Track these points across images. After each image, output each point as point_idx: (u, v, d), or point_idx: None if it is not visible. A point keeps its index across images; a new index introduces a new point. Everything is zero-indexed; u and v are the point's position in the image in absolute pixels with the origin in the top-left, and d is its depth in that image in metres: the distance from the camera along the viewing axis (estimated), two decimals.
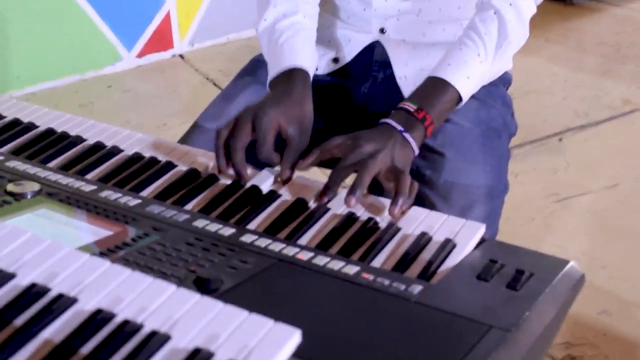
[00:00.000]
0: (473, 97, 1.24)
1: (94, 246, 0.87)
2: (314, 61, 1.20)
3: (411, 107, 1.09)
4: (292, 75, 1.13)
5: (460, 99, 1.14)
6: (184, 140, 1.31)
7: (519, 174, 2.35)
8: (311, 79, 1.16)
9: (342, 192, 1.01)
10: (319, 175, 1.15)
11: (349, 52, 1.31)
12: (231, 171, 1.05)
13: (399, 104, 1.11)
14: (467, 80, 1.13)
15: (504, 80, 1.34)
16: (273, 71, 1.17)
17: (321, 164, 1.07)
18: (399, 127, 1.07)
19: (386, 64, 1.30)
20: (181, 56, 3.25)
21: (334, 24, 1.33)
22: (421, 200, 1.17)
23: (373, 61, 1.31)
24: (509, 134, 1.30)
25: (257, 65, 1.37)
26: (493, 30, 1.15)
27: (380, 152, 1.02)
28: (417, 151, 1.07)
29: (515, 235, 2.07)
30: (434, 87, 1.12)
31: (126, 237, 0.89)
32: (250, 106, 1.08)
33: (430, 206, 1.16)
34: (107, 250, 0.85)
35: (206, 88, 3.02)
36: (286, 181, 1.04)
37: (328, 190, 1.00)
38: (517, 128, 1.33)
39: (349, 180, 1.03)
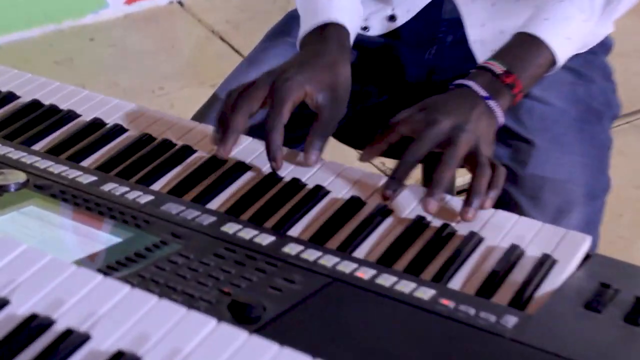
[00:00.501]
0: (567, 67, 1.21)
1: (99, 258, 0.84)
2: (356, 16, 1.18)
3: (499, 68, 1.06)
4: (327, 32, 1.12)
5: (554, 63, 1.10)
6: (200, 116, 1.28)
7: None
8: (352, 38, 1.14)
9: (408, 189, 0.98)
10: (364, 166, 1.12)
11: (410, 8, 1.28)
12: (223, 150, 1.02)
13: (482, 62, 1.08)
14: (567, 42, 1.10)
15: (604, 47, 1.31)
16: (304, 26, 1.15)
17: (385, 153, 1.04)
18: (483, 93, 1.04)
19: (457, 24, 1.26)
20: (180, 3, 3.21)
21: None
22: (504, 201, 1.14)
23: (441, 20, 1.28)
24: (611, 116, 1.27)
25: (291, 22, 1.34)
26: None
27: (463, 129, 0.98)
28: (502, 122, 1.05)
29: (600, 236, 2.03)
30: (527, 45, 1.09)
31: (138, 246, 0.86)
32: (272, 69, 1.06)
33: (515, 208, 1.13)
34: (116, 264, 0.83)
35: (211, 43, 3.00)
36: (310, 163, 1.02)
37: (393, 182, 0.96)
38: (620, 108, 1.30)
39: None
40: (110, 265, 0.83)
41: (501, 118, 1.04)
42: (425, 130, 0.99)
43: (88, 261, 0.84)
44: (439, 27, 1.29)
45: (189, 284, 0.81)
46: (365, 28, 1.30)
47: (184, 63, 2.90)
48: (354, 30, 1.15)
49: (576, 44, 1.12)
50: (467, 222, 0.94)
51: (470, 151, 0.98)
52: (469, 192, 0.95)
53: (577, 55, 1.23)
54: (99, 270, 0.81)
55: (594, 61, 1.27)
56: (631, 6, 1.17)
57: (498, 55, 1.08)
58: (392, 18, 1.29)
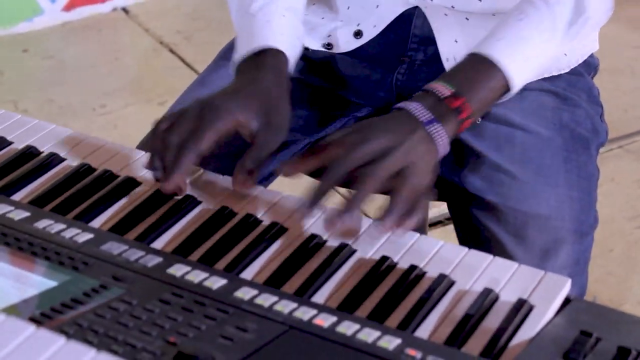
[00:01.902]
0: (550, 90, 1.24)
1: (31, 304, 0.85)
2: (296, 40, 1.20)
3: (445, 90, 1.07)
4: (263, 59, 1.14)
5: (510, 86, 1.11)
6: (146, 143, 1.30)
7: None
8: (292, 63, 1.17)
9: (371, 226, 1.01)
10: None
11: (377, 23, 1.30)
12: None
13: (428, 84, 1.09)
14: (524, 64, 1.11)
15: (589, 67, 1.34)
16: (240, 50, 1.17)
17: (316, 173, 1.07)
18: (424, 118, 1.05)
19: (428, 40, 1.29)
20: (125, 10, 3.23)
21: None
22: (484, 239, 1.17)
23: (410, 36, 1.30)
24: (598, 144, 1.30)
25: None
26: (567, 1, 1.14)
27: (392, 152, 1.00)
28: (445, 151, 1.06)
29: (588, 273, 2.07)
30: (478, 67, 1.10)
31: (76, 290, 0.88)
32: (203, 97, 1.09)
33: (499, 247, 1.16)
34: (50, 311, 0.84)
35: (160, 55, 3.02)
36: (241, 190, 1.05)
37: (308, 202, 0.99)
38: (607, 135, 1.33)
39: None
40: (44, 312, 0.84)
41: (443, 146, 1.05)
42: (352, 149, 1.01)
43: (19, 308, 0.85)
44: (409, 44, 1.31)
45: (131, 333, 0.82)
46: (328, 45, 1.33)
47: (128, 78, 2.91)
48: (293, 56, 1.17)
49: (535, 67, 1.14)
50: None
51: (397, 174, 1.00)
52: (386, 209, 0.98)
53: (559, 77, 1.27)
54: (31, 319, 0.82)
55: (578, 83, 1.30)
56: (597, 27, 1.19)
57: (446, 77, 1.09)
58: (357, 34, 1.32)
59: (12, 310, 0.84)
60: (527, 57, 1.11)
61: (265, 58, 1.13)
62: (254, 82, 1.10)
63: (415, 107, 1.05)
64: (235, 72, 1.16)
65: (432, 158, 1.04)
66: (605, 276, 2.10)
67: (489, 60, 1.09)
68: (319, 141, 1.08)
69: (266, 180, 1.32)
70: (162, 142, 1.04)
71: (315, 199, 0.99)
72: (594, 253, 2.13)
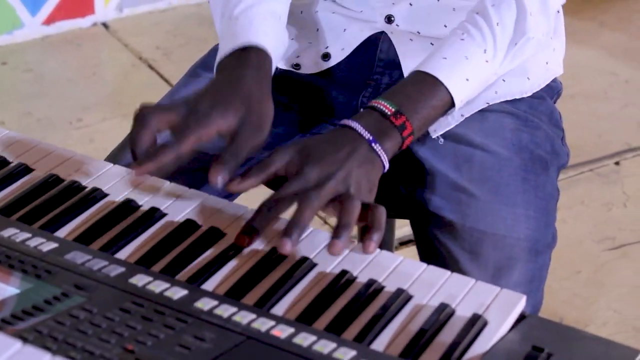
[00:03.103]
0: (510, 112, 1.26)
1: None
2: (280, 42, 1.21)
3: (388, 108, 1.09)
4: (245, 56, 1.15)
5: (452, 104, 1.14)
6: (115, 156, 1.31)
7: (560, 209, 2.38)
8: (274, 63, 1.18)
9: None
10: None
11: (345, 46, 1.32)
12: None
13: (370, 102, 1.11)
14: (465, 84, 1.14)
15: (552, 90, 1.36)
16: (222, 50, 1.18)
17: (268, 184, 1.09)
18: (367, 135, 1.07)
19: (394, 65, 1.31)
20: (105, 25, 3.24)
21: (324, 6, 1.34)
22: (441, 256, 1.18)
23: (376, 60, 1.32)
24: (558, 166, 1.32)
25: (215, 56, 1.38)
26: (508, 21, 1.17)
27: (332, 177, 1.03)
28: (386, 167, 1.09)
29: (555, 294, 2.09)
30: (421, 85, 1.13)
31: (37, 298, 0.89)
32: (187, 99, 1.11)
33: (454, 263, 1.18)
34: (11, 317, 0.85)
35: (138, 71, 3.03)
36: (227, 184, 1.05)
37: (251, 229, 1.01)
38: (569, 157, 1.35)
39: None
40: (4, 319, 0.85)
41: (386, 163, 1.08)
42: (293, 179, 1.03)
43: None
44: (375, 68, 1.33)
45: (90, 340, 0.83)
46: (296, 65, 1.34)
47: (106, 92, 2.92)
48: (277, 56, 1.19)
49: (476, 86, 1.16)
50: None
51: (337, 195, 1.03)
52: (336, 226, 1.00)
53: (521, 100, 1.28)
54: (3, 321, 0.83)
55: (539, 106, 1.32)
56: (537, 48, 1.21)
57: (389, 95, 1.11)
58: (325, 56, 1.33)
59: None
60: (469, 76, 1.14)
61: (248, 56, 1.14)
62: (234, 82, 1.11)
63: (358, 125, 1.08)
64: (217, 71, 1.17)
65: (376, 175, 1.07)
66: (572, 297, 2.12)
67: (432, 78, 1.12)
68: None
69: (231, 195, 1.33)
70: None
71: (263, 219, 1.01)
72: (561, 275, 2.17)
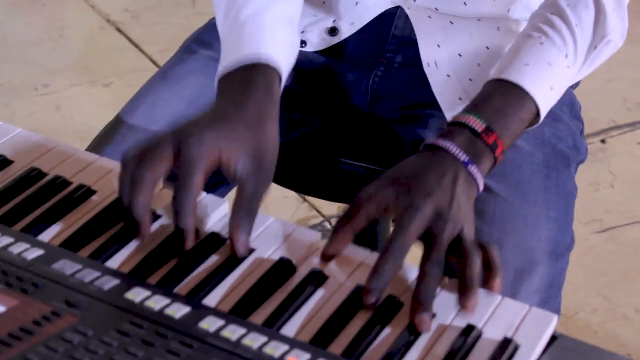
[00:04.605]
0: None
1: None
2: (292, 52, 1.10)
3: (478, 125, 1.00)
4: (253, 75, 1.02)
5: (537, 116, 1.05)
6: (99, 143, 1.22)
7: None
8: (284, 78, 1.06)
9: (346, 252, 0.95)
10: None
11: (355, 20, 1.24)
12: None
13: (457, 117, 1.01)
14: (550, 93, 1.05)
15: None
16: (226, 60, 1.05)
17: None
18: (464, 158, 0.97)
19: (409, 43, 1.24)
20: None
21: None
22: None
23: (390, 36, 1.24)
24: (578, 162, 1.26)
25: (214, 31, 1.28)
26: (587, 22, 1.09)
27: (446, 218, 0.91)
28: (481, 190, 0.99)
29: None
30: (508, 96, 1.03)
31: (26, 318, 0.80)
32: (178, 126, 0.96)
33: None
34: None
35: (106, 34, 2.93)
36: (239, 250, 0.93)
37: (378, 281, 0.89)
38: (587, 152, 1.29)
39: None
40: None
41: (482, 186, 0.98)
42: (405, 221, 0.91)
43: None
44: (388, 46, 1.25)
45: None
46: (302, 43, 1.26)
47: (73, 57, 2.81)
48: (287, 70, 1.07)
49: (558, 96, 1.08)
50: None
51: (454, 239, 0.93)
52: (462, 284, 0.89)
53: None
54: None
55: (561, 97, 1.25)
56: (616, 48, 1.13)
57: (475, 108, 1.02)
58: (333, 31, 1.25)
59: None
60: (553, 84, 1.05)
61: (255, 74, 1.02)
62: (241, 107, 0.98)
63: (453, 147, 0.97)
64: (219, 89, 1.04)
65: (473, 200, 0.97)
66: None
67: (518, 88, 1.03)
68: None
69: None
70: (136, 185, 0.93)
71: (381, 282, 0.89)
72: None
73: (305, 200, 2.34)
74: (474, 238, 0.93)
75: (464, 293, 0.89)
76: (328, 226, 2.20)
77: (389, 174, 0.96)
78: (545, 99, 1.04)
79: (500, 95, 1.03)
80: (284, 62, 1.05)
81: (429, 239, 0.92)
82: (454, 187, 0.94)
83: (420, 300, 0.87)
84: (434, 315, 0.88)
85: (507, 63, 1.06)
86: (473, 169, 0.97)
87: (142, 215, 0.93)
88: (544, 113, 1.05)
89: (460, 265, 0.90)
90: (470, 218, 0.95)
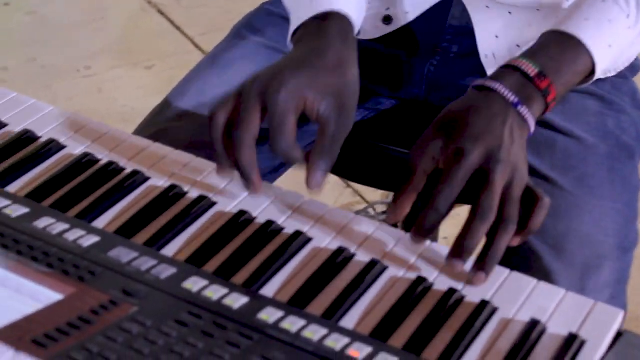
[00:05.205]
0: (593, 94, 1.18)
1: (34, 323, 0.77)
2: (361, 6, 1.10)
3: (531, 69, 0.98)
4: (327, 24, 1.02)
5: (592, 72, 1.04)
6: (147, 126, 1.21)
7: None
8: (356, 32, 1.07)
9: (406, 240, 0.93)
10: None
11: (410, 9, 1.22)
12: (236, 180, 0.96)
13: (510, 60, 1.00)
14: (608, 50, 1.04)
15: (633, 68, 1.27)
16: (296, 18, 1.06)
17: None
18: (513, 98, 0.96)
19: (466, 33, 1.22)
20: None
21: None
22: (521, 250, 1.09)
23: (447, 26, 1.23)
24: None
25: (265, 17, 1.28)
26: None
27: (498, 159, 0.91)
28: (532, 131, 0.98)
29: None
30: (564, 46, 1.02)
31: (84, 307, 0.79)
32: (259, 73, 0.97)
33: (537, 260, 1.09)
34: (55, 331, 0.76)
35: (148, 17, 2.92)
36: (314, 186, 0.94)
37: (421, 235, 0.90)
38: None
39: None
40: (49, 333, 0.76)
41: (533, 127, 0.97)
42: (453, 169, 0.91)
43: (21, 327, 0.76)
44: (444, 34, 1.24)
45: None
46: None
47: (114, 39, 2.81)
48: (358, 21, 1.07)
49: (617, 55, 1.07)
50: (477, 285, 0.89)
51: (505, 190, 0.91)
52: (484, 249, 0.89)
53: (603, 80, 1.19)
54: (34, 342, 0.74)
55: (622, 86, 1.24)
56: None
57: (529, 54, 1.01)
58: (387, 19, 1.24)
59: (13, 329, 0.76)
60: (611, 42, 1.04)
61: (330, 23, 1.02)
62: (320, 53, 0.99)
63: (502, 88, 0.96)
64: (294, 42, 1.05)
65: (524, 141, 0.96)
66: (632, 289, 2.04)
67: (576, 40, 1.02)
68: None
69: (275, 172, 1.24)
70: (231, 140, 0.94)
71: (427, 231, 0.90)
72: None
73: (348, 185, 2.33)
74: (524, 186, 0.92)
75: (480, 258, 0.88)
76: (372, 212, 2.18)
77: (437, 122, 0.96)
78: (602, 55, 1.03)
79: (557, 45, 1.02)
80: (355, 15, 1.05)
81: (481, 181, 0.91)
82: (503, 128, 0.93)
83: (463, 247, 0.88)
84: (495, 309, 0.87)
85: (567, 16, 1.05)
86: (523, 109, 0.96)
87: (251, 174, 0.94)
88: (599, 69, 1.04)
89: (493, 228, 0.89)
90: (522, 159, 0.93)
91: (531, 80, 0.98)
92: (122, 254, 0.88)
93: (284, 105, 0.94)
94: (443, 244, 0.94)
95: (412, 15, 1.22)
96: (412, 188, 0.93)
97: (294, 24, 1.05)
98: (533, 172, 1.13)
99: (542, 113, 0.99)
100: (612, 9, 1.06)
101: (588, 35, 1.02)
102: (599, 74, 1.05)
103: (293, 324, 0.82)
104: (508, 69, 0.99)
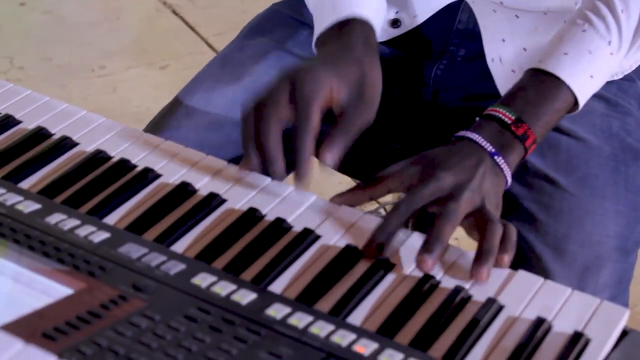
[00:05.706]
0: (600, 96, 1.18)
1: (44, 317, 0.78)
2: (381, 12, 1.15)
3: (507, 116, 1.03)
4: (348, 29, 1.09)
5: (575, 104, 1.07)
6: (158, 125, 1.22)
7: None
8: (377, 34, 1.11)
9: (414, 240, 0.94)
10: None
11: (418, 13, 1.23)
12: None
13: (488, 109, 1.04)
14: (590, 81, 1.07)
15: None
16: (320, 25, 1.11)
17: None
18: (490, 148, 1.01)
19: (473, 36, 1.22)
20: None
21: None
22: (522, 250, 1.10)
23: (454, 30, 1.23)
24: None
25: (275, 17, 1.29)
26: (634, 7, 1.08)
27: (464, 188, 0.96)
28: (509, 182, 1.02)
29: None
30: (542, 86, 1.05)
31: (93, 301, 0.80)
32: (286, 68, 1.03)
33: (537, 260, 1.10)
34: (65, 325, 0.77)
35: (163, 17, 2.93)
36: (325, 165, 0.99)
37: (382, 233, 0.93)
38: None
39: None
40: (59, 327, 0.77)
41: (509, 177, 1.01)
42: (423, 184, 0.96)
43: (31, 320, 0.78)
44: (451, 39, 1.24)
45: (156, 356, 0.75)
46: None
47: (129, 39, 2.82)
48: (379, 25, 1.12)
49: (600, 82, 1.09)
50: (481, 284, 0.90)
51: (475, 210, 0.96)
52: (479, 251, 0.92)
53: (610, 82, 1.20)
54: (45, 335, 0.75)
55: (629, 89, 1.24)
56: None
57: (506, 100, 1.05)
58: (395, 23, 1.24)
59: (29, 321, 0.77)
60: (594, 74, 1.06)
61: (351, 28, 1.08)
62: (344, 50, 1.05)
63: (479, 137, 1.01)
64: (318, 45, 1.11)
65: (501, 190, 1.00)
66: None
67: (554, 78, 1.05)
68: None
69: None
70: (263, 133, 0.98)
71: (385, 237, 0.93)
72: None
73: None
74: (492, 220, 0.95)
75: (478, 259, 0.91)
76: (383, 212, 2.18)
77: (413, 158, 1.01)
78: (583, 87, 1.06)
79: (534, 86, 1.06)
80: (375, 19, 1.11)
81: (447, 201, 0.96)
82: (475, 169, 0.98)
83: (430, 238, 0.92)
84: (501, 307, 0.88)
85: (547, 51, 1.08)
86: (499, 159, 1.00)
87: (275, 157, 0.98)
88: (582, 101, 1.07)
89: (481, 233, 0.93)
90: (493, 201, 0.98)
91: (508, 127, 1.02)
92: (132, 250, 0.89)
93: (311, 91, 0.99)
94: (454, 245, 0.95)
95: (420, 19, 1.23)
96: (369, 192, 1.00)
97: (318, 30, 1.11)
98: (536, 172, 1.16)
99: (521, 158, 1.03)
100: (592, 38, 1.08)
101: (567, 72, 1.05)
102: (583, 104, 1.07)
103: (300, 320, 0.83)
104: (485, 120, 1.03)
